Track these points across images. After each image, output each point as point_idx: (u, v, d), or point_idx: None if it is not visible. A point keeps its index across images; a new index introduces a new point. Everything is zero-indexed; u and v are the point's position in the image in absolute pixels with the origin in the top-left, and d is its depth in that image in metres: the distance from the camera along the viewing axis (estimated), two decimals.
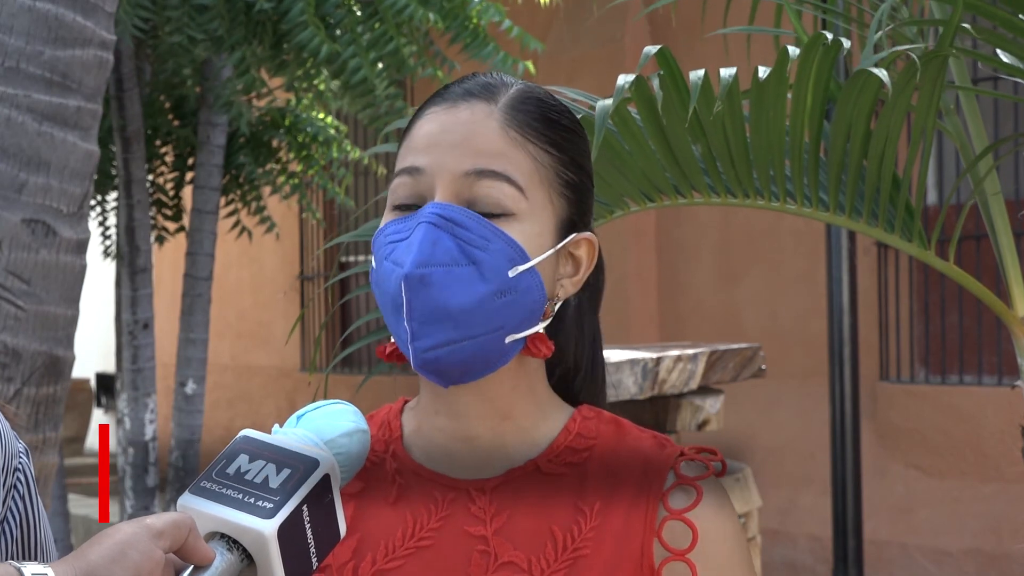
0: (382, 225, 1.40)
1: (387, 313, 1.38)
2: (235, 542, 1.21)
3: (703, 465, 1.43)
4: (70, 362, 3.67)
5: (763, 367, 4.75)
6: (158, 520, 1.18)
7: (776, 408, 7.87)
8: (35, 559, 1.42)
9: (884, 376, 7.58)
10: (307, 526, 1.23)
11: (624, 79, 2.41)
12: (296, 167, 7.96)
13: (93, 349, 13.34)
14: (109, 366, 13.16)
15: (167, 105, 7.78)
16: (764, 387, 7.04)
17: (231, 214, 7.90)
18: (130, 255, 7.26)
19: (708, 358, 4.45)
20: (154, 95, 7.58)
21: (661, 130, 2.67)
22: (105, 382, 13.96)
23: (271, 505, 1.21)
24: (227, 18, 6.36)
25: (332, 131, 7.81)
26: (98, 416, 14.21)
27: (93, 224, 8.09)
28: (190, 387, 7.40)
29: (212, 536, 1.22)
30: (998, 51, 2.82)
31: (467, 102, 1.40)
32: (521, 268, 1.36)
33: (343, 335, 3.54)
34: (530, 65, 6.25)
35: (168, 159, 8.09)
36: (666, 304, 8.55)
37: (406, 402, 1.52)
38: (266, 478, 1.23)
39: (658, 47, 2.48)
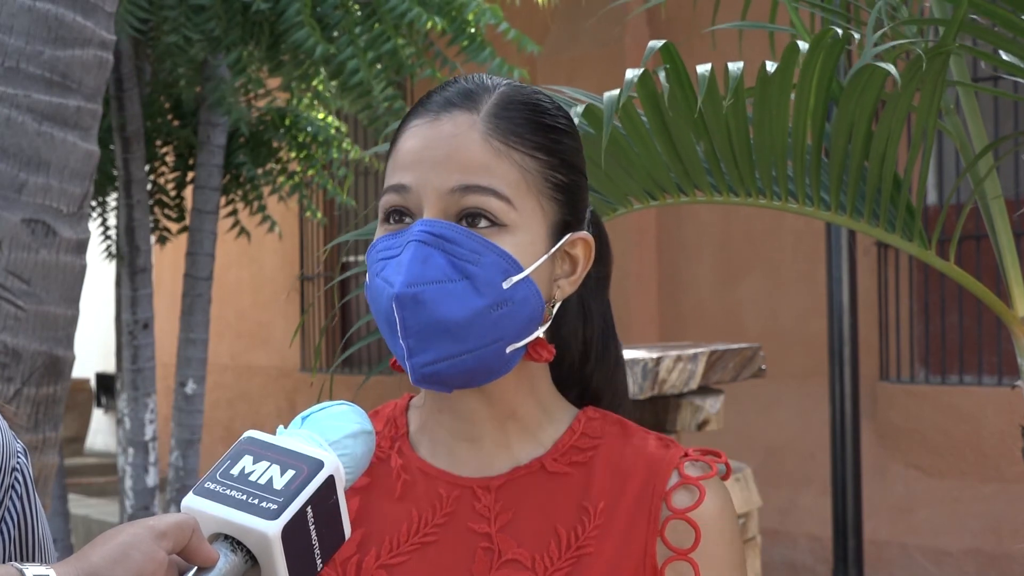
0: (374, 240, 1.40)
1: (383, 329, 1.38)
2: (239, 543, 1.21)
3: (706, 465, 1.43)
4: (70, 362, 3.67)
5: (763, 367, 4.75)
6: (161, 521, 1.18)
7: (776, 408, 7.87)
8: (33, 559, 1.42)
9: (884, 376, 7.58)
10: (311, 527, 1.23)
11: (632, 73, 2.41)
12: (296, 167, 7.96)
13: (93, 349, 13.34)
14: (109, 366, 13.16)
15: (167, 105, 7.78)
16: (764, 387, 7.04)
17: (231, 214, 7.90)
18: (130, 255, 7.26)
19: (708, 358, 4.46)
20: (154, 95, 7.58)
21: (665, 127, 2.67)
22: (105, 382, 13.96)
23: (275, 506, 1.21)
24: (224, 18, 6.35)
25: (332, 131, 7.81)
26: (98, 416, 14.21)
27: (93, 224, 8.09)
28: (190, 387, 7.39)
29: (216, 537, 1.22)
30: (998, 50, 2.82)
31: (449, 113, 1.38)
32: (515, 279, 1.36)
33: (344, 337, 3.54)
34: (525, 73, 6.23)
35: (168, 159, 8.09)
36: (666, 304, 8.56)
37: (411, 398, 1.52)
38: (270, 479, 1.23)
39: (663, 42, 2.48)
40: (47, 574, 1.13)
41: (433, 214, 1.36)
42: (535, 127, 1.40)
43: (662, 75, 2.53)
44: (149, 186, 7.73)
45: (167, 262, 11.14)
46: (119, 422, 7.47)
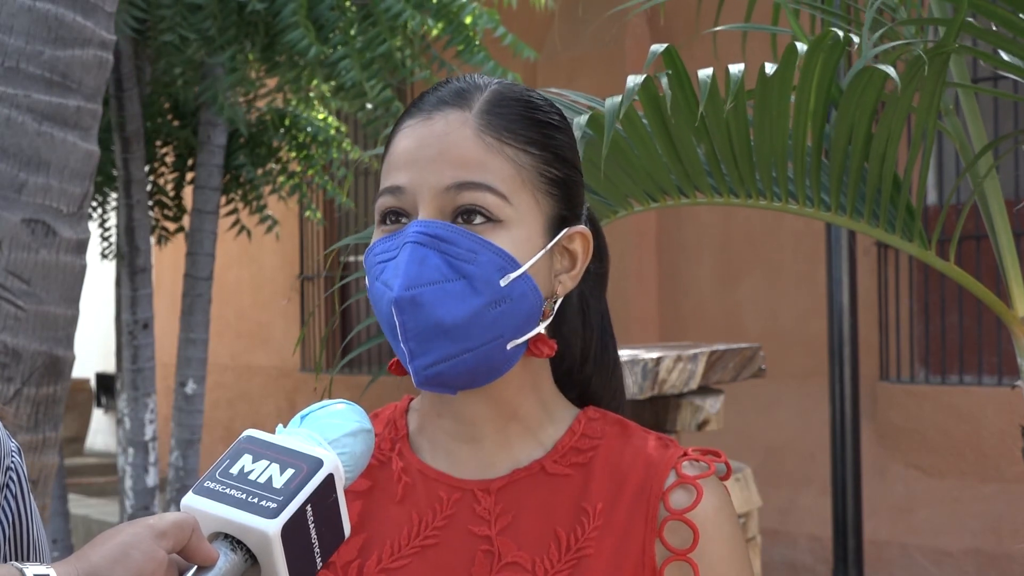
0: (371, 243, 1.40)
1: (386, 332, 1.38)
2: (239, 542, 1.21)
3: (705, 465, 1.42)
4: (70, 362, 3.67)
5: (763, 367, 4.75)
6: (161, 520, 1.18)
7: (776, 408, 7.87)
8: (28, 558, 1.42)
9: (884, 376, 7.58)
10: (311, 526, 1.23)
11: (633, 79, 2.41)
12: (296, 167, 7.96)
13: (93, 349, 13.34)
14: (109, 366, 13.16)
15: (166, 106, 7.79)
16: (764, 387, 7.04)
17: (231, 214, 7.90)
18: (130, 255, 7.26)
19: (708, 358, 4.46)
20: (154, 95, 7.58)
21: (666, 130, 2.67)
22: (105, 382, 13.96)
23: (275, 505, 1.20)
24: (219, 17, 6.36)
25: (332, 131, 7.81)
26: (98, 416, 14.21)
27: (93, 224, 8.09)
28: (190, 387, 7.39)
29: (216, 536, 1.21)
30: (998, 50, 2.82)
31: (441, 112, 1.39)
32: (512, 276, 1.35)
33: (345, 340, 3.53)
34: (518, 77, 6.23)
35: (168, 159, 8.09)
36: (666, 304, 8.56)
37: (411, 400, 1.52)
38: (270, 478, 1.23)
39: (664, 46, 2.48)
40: (47, 573, 1.13)
41: (429, 213, 1.36)
42: (528, 122, 1.40)
43: (663, 78, 2.53)
44: (148, 186, 7.73)
45: (167, 262, 11.14)
46: (119, 422, 7.47)
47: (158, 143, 7.93)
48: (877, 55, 2.58)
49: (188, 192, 8.06)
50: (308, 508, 1.22)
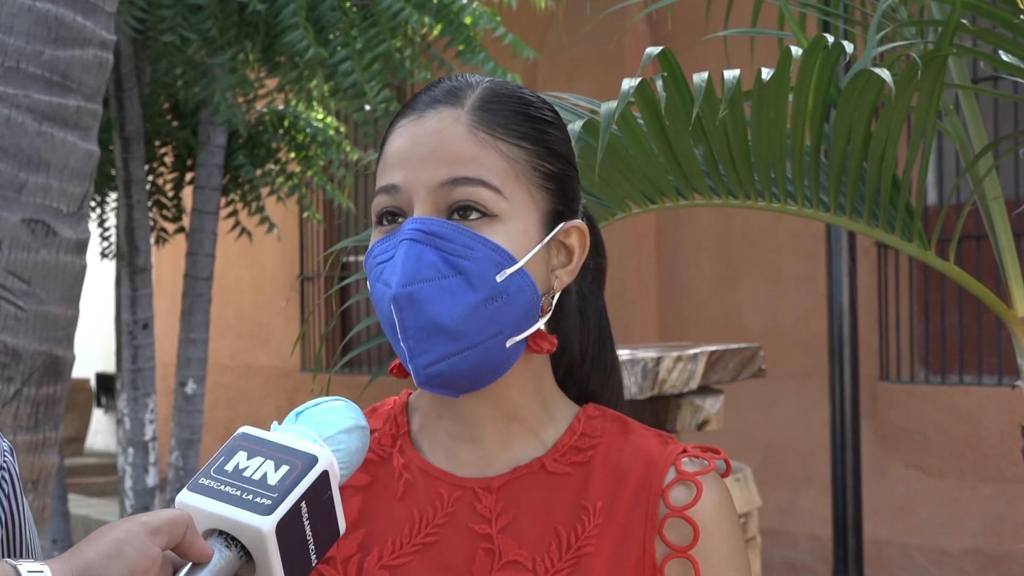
0: (370, 246, 1.40)
1: (387, 332, 1.38)
2: (234, 539, 1.21)
3: (704, 462, 1.42)
4: (70, 362, 3.67)
5: (763, 367, 4.75)
6: (155, 517, 1.18)
7: (776, 408, 7.87)
8: (21, 557, 1.42)
9: (884, 376, 7.58)
10: (306, 523, 1.23)
11: (629, 83, 2.41)
12: (295, 168, 7.96)
13: (93, 349, 13.34)
14: (109, 366, 13.16)
15: (166, 106, 7.79)
16: (764, 387, 7.04)
17: (231, 215, 7.90)
18: (130, 255, 7.26)
19: (708, 358, 4.46)
20: (153, 95, 7.58)
21: (663, 132, 2.67)
22: (105, 382, 13.97)
23: (269, 502, 1.21)
24: (220, 18, 6.36)
25: (332, 132, 7.81)
26: (98, 416, 14.22)
27: (91, 224, 8.09)
28: (190, 387, 7.39)
29: (211, 533, 1.22)
30: (998, 51, 2.82)
31: (434, 110, 1.39)
32: (509, 271, 1.36)
33: (344, 340, 3.54)
34: (518, 77, 6.23)
35: (168, 160, 8.09)
36: (666, 304, 8.56)
37: (410, 395, 1.52)
38: (264, 475, 1.23)
39: (660, 48, 2.48)
40: (42, 571, 1.13)
41: (424, 210, 1.36)
42: (520, 117, 1.40)
43: (659, 81, 2.53)
44: (148, 186, 7.73)
45: (167, 262, 11.14)
46: (119, 422, 7.47)
47: (157, 143, 7.93)
48: (877, 56, 2.58)
49: (187, 192, 8.06)
50: (303, 505, 1.22)
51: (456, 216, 1.36)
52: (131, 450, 7.28)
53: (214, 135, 7.35)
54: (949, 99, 3.07)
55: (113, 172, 7.50)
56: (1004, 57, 2.80)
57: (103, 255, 8.29)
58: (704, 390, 4.57)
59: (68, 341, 3.64)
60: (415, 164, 1.37)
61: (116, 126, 7.12)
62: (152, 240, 7.86)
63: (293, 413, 1.32)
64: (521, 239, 1.37)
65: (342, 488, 1.44)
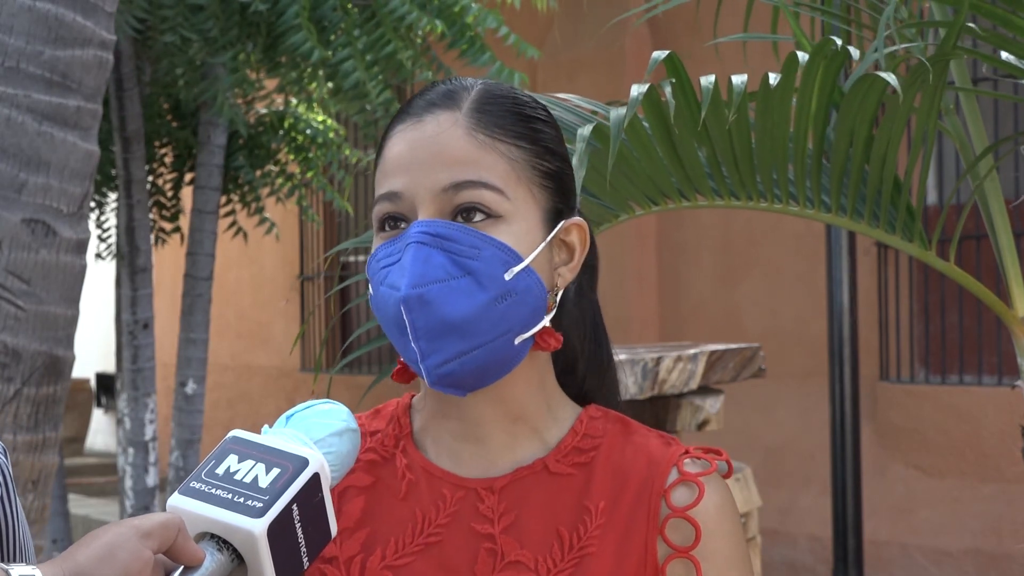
0: (373, 250, 1.40)
1: (393, 336, 1.38)
2: (225, 542, 1.21)
3: (706, 462, 1.43)
4: (70, 362, 3.67)
5: (763, 367, 4.75)
6: (146, 520, 1.18)
7: (776, 408, 7.87)
8: (14, 559, 1.41)
9: (884, 376, 7.58)
10: (297, 525, 1.23)
11: (637, 89, 2.41)
12: (295, 169, 7.96)
13: (93, 349, 13.35)
14: (109, 366, 13.16)
15: (166, 106, 7.79)
16: (764, 387, 7.04)
17: (229, 215, 7.90)
18: (130, 255, 7.26)
19: (708, 358, 4.46)
20: (153, 96, 7.58)
21: (668, 135, 2.67)
22: (105, 382, 13.97)
23: (261, 504, 1.21)
24: (221, 18, 6.35)
25: (331, 134, 7.81)
26: (98, 416, 14.22)
27: (92, 224, 8.09)
28: (190, 387, 7.40)
29: (202, 536, 1.22)
30: (998, 51, 2.82)
31: (431, 114, 1.39)
32: (516, 269, 1.36)
33: (346, 343, 3.53)
34: (525, 77, 6.23)
35: (167, 160, 8.09)
36: (666, 304, 8.56)
37: (413, 396, 1.52)
38: (255, 478, 1.23)
39: (666, 52, 2.48)
40: (33, 574, 1.13)
41: (428, 215, 1.36)
42: (517, 118, 1.41)
43: (666, 86, 2.53)
44: (148, 187, 7.73)
45: (167, 262, 11.14)
46: (119, 422, 7.47)
47: (157, 143, 7.93)
48: (879, 59, 2.58)
49: (186, 193, 8.06)
50: (294, 507, 1.22)
51: (460, 219, 1.36)
52: (131, 450, 7.28)
53: (214, 135, 7.35)
54: (950, 99, 3.07)
55: (113, 172, 7.50)
56: (1004, 57, 2.80)
57: (98, 256, 8.29)
58: (704, 390, 4.57)
59: (68, 341, 3.64)
60: (416, 169, 1.37)
61: (116, 126, 7.12)
62: (152, 240, 7.86)
63: (284, 416, 1.32)
64: (525, 238, 1.38)
65: (345, 489, 1.44)
